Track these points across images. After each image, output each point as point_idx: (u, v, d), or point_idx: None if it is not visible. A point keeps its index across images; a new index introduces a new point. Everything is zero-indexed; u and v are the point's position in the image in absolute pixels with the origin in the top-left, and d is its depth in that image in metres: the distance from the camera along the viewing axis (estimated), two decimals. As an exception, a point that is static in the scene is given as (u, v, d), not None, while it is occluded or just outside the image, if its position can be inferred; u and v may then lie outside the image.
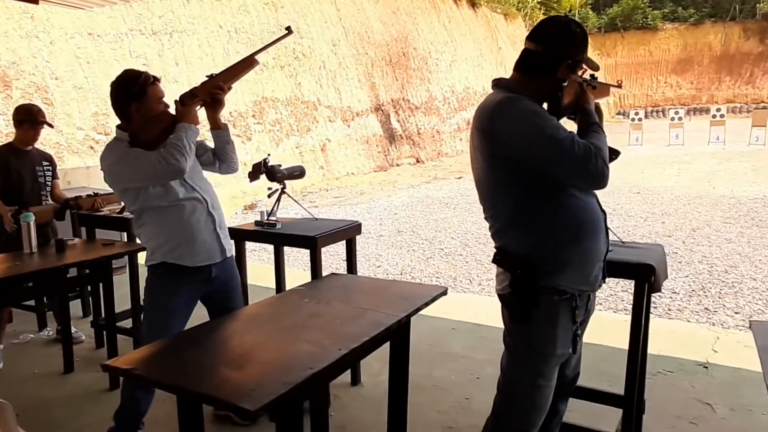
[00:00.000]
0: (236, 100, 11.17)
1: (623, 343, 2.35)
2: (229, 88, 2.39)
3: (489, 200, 1.76)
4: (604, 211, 1.79)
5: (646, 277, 2.19)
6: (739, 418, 2.66)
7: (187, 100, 2.28)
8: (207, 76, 2.37)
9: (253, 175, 3.08)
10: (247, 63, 2.40)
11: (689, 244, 6.50)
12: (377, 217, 9.06)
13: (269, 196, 3.17)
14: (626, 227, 7.56)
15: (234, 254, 2.57)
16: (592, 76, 1.95)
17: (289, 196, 3.24)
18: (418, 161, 16.67)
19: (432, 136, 17.98)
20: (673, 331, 3.81)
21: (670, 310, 4.48)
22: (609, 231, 1.82)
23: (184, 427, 1.78)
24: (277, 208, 3.25)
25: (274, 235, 3.02)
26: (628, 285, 5.05)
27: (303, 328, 1.98)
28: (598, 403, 2.58)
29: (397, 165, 15.64)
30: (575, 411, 2.74)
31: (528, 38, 1.75)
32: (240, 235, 3.16)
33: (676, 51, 42.42)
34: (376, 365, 3.33)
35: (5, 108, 7.84)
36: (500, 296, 1.79)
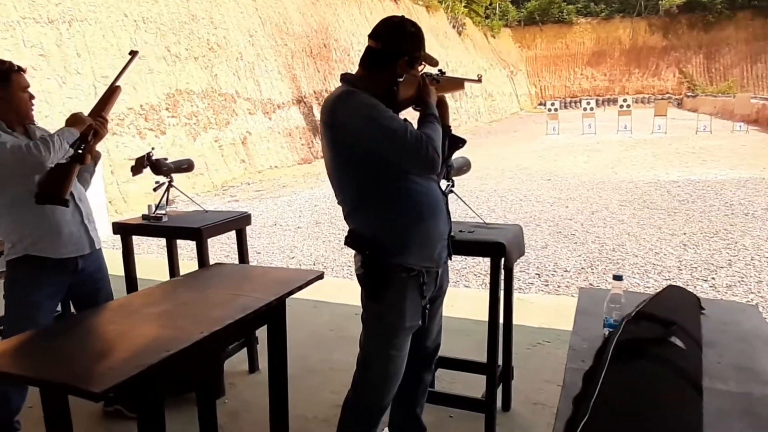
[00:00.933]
0: (147, 92, 10.78)
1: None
2: (106, 119, 2.40)
3: (337, 186, 1.86)
4: (445, 194, 1.97)
5: (497, 254, 2.36)
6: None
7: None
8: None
9: (136, 170, 3.04)
10: (113, 91, 2.44)
11: (586, 226, 6.91)
12: (297, 210, 9.04)
13: (155, 189, 3.14)
14: (534, 212, 7.94)
15: (101, 246, 2.53)
16: (440, 71, 2.09)
17: (177, 189, 3.22)
18: (342, 153, 16.71)
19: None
20: (558, 305, 4.08)
21: (559, 287, 4.78)
22: (450, 212, 1.96)
23: (48, 419, 1.77)
24: (167, 201, 3.21)
25: (160, 228, 2.99)
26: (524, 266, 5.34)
27: (170, 316, 2.00)
28: (468, 372, 2.77)
29: (321, 157, 15.60)
30: (457, 382, 2.92)
31: (369, 36, 1.87)
32: (126, 230, 3.10)
33: (590, 44, 44.62)
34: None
35: None
36: (357, 276, 1.89)
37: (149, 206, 3.13)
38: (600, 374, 1.32)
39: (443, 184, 2.76)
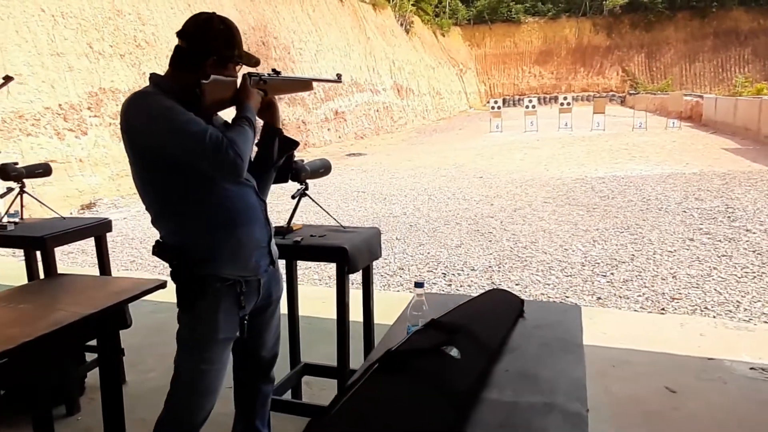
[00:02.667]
0: (66, 91, 10.32)
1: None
2: None
3: (141, 192, 1.76)
4: (263, 201, 1.85)
5: (341, 259, 2.30)
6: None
7: None
8: None
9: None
10: None
11: (505, 224, 6.97)
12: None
13: (2, 196, 2.94)
14: (458, 210, 7.97)
15: None
16: (274, 71, 2.00)
17: (29, 195, 3.02)
18: (283, 152, 16.47)
19: (297, 127, 17.81)
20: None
21: (461, 286, 4.77)
22: (268, 220, 1.87)
23: None
24: (21, 208, 3.01)
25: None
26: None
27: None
28: (322, 377, 2.71)
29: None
30: (327, 389, 2.85)
31: (177, 34, 1.75)
32: None
33: (538, 43, 45.51)
34: (150, 362, 3.23)
35: None
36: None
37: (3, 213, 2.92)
38: (354, 386, 1.26)
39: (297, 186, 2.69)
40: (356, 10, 25.25)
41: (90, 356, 2.88)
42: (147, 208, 1.77)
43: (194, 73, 1.70)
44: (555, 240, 6.07)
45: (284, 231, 2.59)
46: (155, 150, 1.64)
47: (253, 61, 1.87)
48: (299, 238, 2.49)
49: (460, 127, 25.37)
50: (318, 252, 2.42)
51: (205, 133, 1.59)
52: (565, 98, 22.16)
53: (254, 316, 1.88)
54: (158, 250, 1.75)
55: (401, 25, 31.72)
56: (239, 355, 1.95)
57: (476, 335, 1.51)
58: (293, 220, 2.72)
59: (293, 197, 2.63)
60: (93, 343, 2.18)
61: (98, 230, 2.95)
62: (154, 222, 1.77)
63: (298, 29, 19.60)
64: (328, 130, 19.82)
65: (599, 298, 4.37)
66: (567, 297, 4.38)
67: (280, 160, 2.01)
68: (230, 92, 1.79)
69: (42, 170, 3.05)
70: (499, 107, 22.22)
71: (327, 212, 2.93)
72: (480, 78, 44.73)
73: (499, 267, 5.23)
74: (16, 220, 2.88)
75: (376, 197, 9.37)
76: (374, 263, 5.26)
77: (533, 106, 21.58)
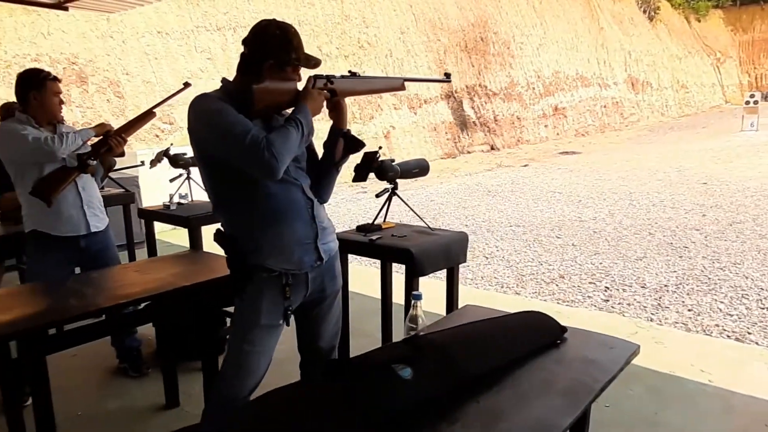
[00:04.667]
0: (297, 89, 11.77)
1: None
2: (125, 140, 2.76)
3: (204, 185, 1.95)
4: (311, 199, 1.90)
5: (406, 260, 2.27)
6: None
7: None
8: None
9: (153, 163, 3.48)
10: (146, 115, 2.79)
11: (711, 239, 5.95)
12: (404, 206, 9.18)
13: (171, 180, 3.55)
14: (658, 219, 7.05)
15: (106, 228, 2.93)
16: (351, 72, 2.05)
17: (194, 181, 3.57)
18: (492, 148, 16.37)
19: (511, 122, 17.50)
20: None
21: (619, 303, 4.24)
22: (317, 218, 1.91)
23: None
24: (190, 191, 3.62)
25: (162, 214, 3.40)
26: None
27: (98, 286, 2.31)
28: None
29: (468, 152, 15.49)
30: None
31: (242, 42, 1.91)
32: (146, 215, 3.59)
33: (829, 23, 37.00)
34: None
35: (82, 101, 9.04)
36: None
37: (170, 195, 3.55)
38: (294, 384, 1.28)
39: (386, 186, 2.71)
40: (592, -1, 23.66)
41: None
42: (210, 199, 1.98)
43: (254, 77, 1.80)
44: (767, 265, 5.00)
45: (367, 228, 2.65)
46: (205, 149, 1.80)
47: (312, 63, 1.92)
48: (378, 236, 2.53)
49: (704, 124, 22.10)
50: (387, 252, 2.43)
51: (246, 134, 1.68)
52: None
53: (309, 309, 1.98)
54: (216, 237, 1.93)
55: (644, 12, 28.72)
56: (302, 348, 2.08)
57: (453, 359, 1.37)
58: (387, 219, 2.77)
59: (377, 196, 2.68)
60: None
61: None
62: (213, 212, 1.96)
63: (521, 23, 19.16)
64: (545, 126, 19.04)
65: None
66: (748, 333, 3.60)
67: (343, 160, 2.06)
68: (287, 95, 1.85)
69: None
70: (756, 102, 18.72)
71: (415, 212, 2.91)
72: (743, 68, 38.15)
73: (677, 288, 4.51)
74: (184, 201, 3.48)
75: (571, 199, 8.78)
76: (534, 268, 5.03)
77: (806, 101, 17.69)
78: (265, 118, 1.82)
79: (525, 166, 13.29)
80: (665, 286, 4.58)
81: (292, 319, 1.92)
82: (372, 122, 13.22)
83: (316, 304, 1.99)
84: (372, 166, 2.39)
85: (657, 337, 3.49)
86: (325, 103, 1.92)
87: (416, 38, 14.87)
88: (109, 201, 4.24)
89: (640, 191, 9.12)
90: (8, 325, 1.81)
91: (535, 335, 1.59)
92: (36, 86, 2.71)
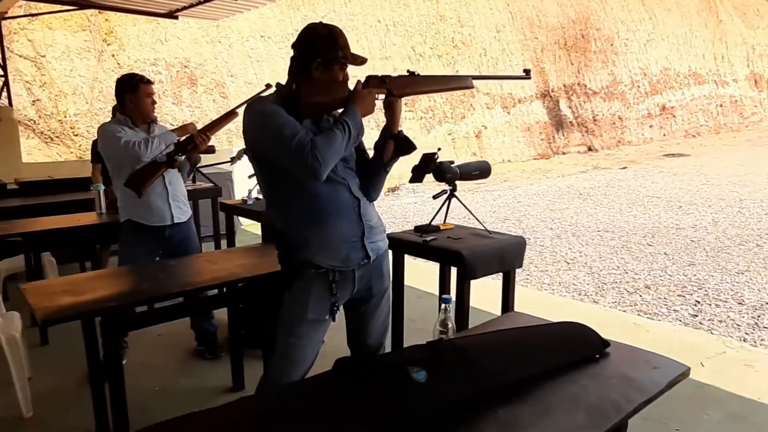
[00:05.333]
0: (389, 89, 11.98)
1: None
2: (208, 137, 2.98)
3: (258, 185, 2.08)
4: (357, 198, 1.93)
5: (456, 262, 2.28)
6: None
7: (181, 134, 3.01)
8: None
9: (234, 160, 3.75)
10: (229, 115, 3.00)
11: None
12: (492, 206, 9.07)
13: (250, 176, 3.78)
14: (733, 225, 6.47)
15: (188, 220, 3.18)
16: (410, 71, 2.10)
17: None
18: (590, 149, 15.69)
19: (612, 123, 16.66)
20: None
21: (709, 319, 3.97)
22: (363, 216, 1.94)
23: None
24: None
25: (237, 208, 3.66)
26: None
27: (175, 272, 2.55)
28: None
29: (563, 153, 14.96)
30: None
31: (291, 46, 2.01)
32: (226, 209, 3.91)
33: None
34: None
35: (191, 101, 9.78)
36: None
37: (248, 191, 3.79)
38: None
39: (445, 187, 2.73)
40: (708, -11, 21.90)
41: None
42: (263, 196, 2.09)
43: (303, 77, 1.86)
44: None
45: (424, 229, 2.68)
46: (257, 149, 1.89)
47: (359, 61, 1.93)
48: (433, 238, 2.56)
49: None
50: (439, 253, 2.44)
51: (293, 137, 1.74)
52: None
53: (357, 306, 2.04)
54: (271, 234, 2.06)
55: (773, 1, 26.11)
56: (351, 344, 2.13)
57: (475, 367, 1.37)
58: (446, 220, 2.79)
59: (435, 197, 2.69)
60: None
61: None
62: (266, 208, 2.04)
63: (627, 18, 18.16)
64: (650, 126, 17.94)
65: None
66: None
67: (392, 161, 2.08)
68: (337, 93, 1.86)
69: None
70: None
71: (473, 215, 2.89)
72: None
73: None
74: (261, 197, 3.69)
75: (670, 205, 8.26)
76: (617, 276, 4.83)
77: None
78: (315, 118, 1.88)
79: (624, 168, 12.64)
80: (765, 304, 4.22)
81: (339, 314, 1.98)
82: (463, 121, 13.15)
83: (363, 302, 2.04)
84: (429, 167, 2.42)
85: (748, 360, 3.23)
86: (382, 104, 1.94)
87: (512, 36, 14.58)
88: (199, 194, 4.63)
89: (753, 198, 8.39)
90: (92, 304, 2.03)
91: (571, 347, 1.54)
92: (130, 89, 2.97)
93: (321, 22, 1.96)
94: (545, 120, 14.84)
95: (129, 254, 3.04)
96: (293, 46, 1.90)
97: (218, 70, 10.10)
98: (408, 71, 2.01)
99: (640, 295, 4.58)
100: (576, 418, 1.29)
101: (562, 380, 1.45)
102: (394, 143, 1.97)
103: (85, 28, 10.44)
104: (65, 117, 10.60)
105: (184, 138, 2.98)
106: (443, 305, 1.55)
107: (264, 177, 1.94)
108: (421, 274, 3.89)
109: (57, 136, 10.58)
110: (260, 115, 1.83)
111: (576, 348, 1.55)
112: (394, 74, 1.96)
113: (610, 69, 17.08)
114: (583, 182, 10.92)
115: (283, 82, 1.93)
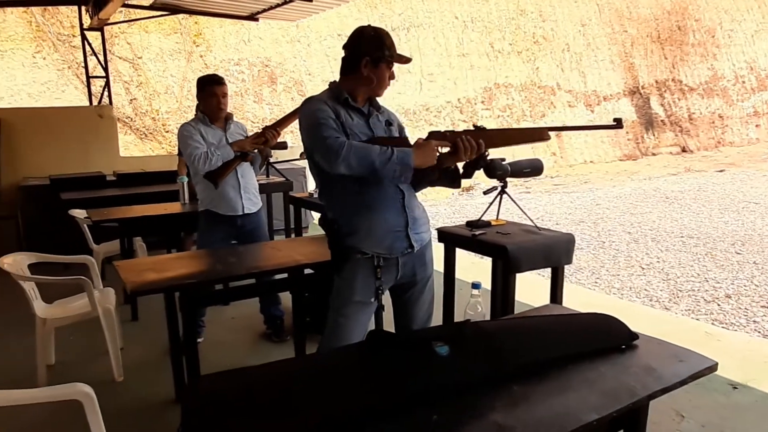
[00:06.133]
0: (465, 87, 11.84)
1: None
2: (278, 133, 3.11)
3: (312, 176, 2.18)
4: (402, 191, 2.01)
5: (501, 256, 2.26)
6: None
7: (247, 144, 3.11)
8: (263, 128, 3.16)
9: (302, 155, 3.83)
10: (297, 111, 3.06)
11: None
12: (569, 207, 8.71)
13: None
14: None
15: (258, 211, 3.32)
16: (476, 126, 2.01)
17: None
18: (684, 150, 14.67)
19: (711, 122, 15.49)
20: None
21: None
22: (407, 208, 2.01)
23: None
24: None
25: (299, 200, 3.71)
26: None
27: (239, 257, 2.67)
28: None
29: (652, 154, 14.11)
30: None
31: (342, 47, 2.09)
32: (293, 201, 3.96)
33: None
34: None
35: (271, 99, 10.16)
36: None
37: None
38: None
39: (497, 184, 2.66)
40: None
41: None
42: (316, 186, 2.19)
43: (353, 76, 1.99)
44: None
45: (475, 224, 2.66)
46: (306, 144, 2.00)
47: (404, 60, 2.04)
48: (482, 232, 2.55)
49: None
50: (486, 247, 2.44)
51: (328, 138, 1.86)
52: None
53: (402, 292, 2.14)
54: (320, 221, 2.17)
55: None
56: (398, 330, 2.20)
57: (497, 347, 1.40)
58: (499, 216, 2.74)
59: (485, 194, 2.66)
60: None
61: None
62: (319, 198, 2.18)
63: (732, 7, 16.81)
64: (756, 126, 16.51)
65: None
66: None
67: (436, 183, 2.09)
68: (382, 84, 2.00)
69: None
70: None
71: (523, 211, 2.81)
72: None
73: None
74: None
75: (768, 210, 7.58)
76: (696, 284, 4.52)
77: None
78: (366, 115, 2.01)
79: (720, 171, 11.73)
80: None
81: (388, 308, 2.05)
82: (543, 120, 12.74)
83: (408, 288, 2.12)
84: (480, 163, 2.37)
85: None
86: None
87: (599, 30, 13.93)
88: (271, 188, 4.82)
89: None
90: (172, 280, 2.28)
91: (596, 336, 1.51)
92: (200, 90, 3.16)
93: (369, 25, 2.08)
94: (633, 119, 14.05)
95: (206, 240, 3.24)
96: (344, 47, 2.04)
97: (297, 68, 10.41)
98: (474, 126, 2.01)
99: (719, 305, 4.23)
100: (588, 398, 1.30)
101: (583, 366, 1.48)
102: (444, 174, 2.03)
103: (177, 31, 11.12)
104: (158, 115, 11.35)
105: (255, 134, 3.13)
106: (473, 290, 1.58)
107: (317, 169, 2.03)
108: (473, 269, 3.84)
109: (150, 133, 11.36)
110: (308, 113, 1.95)
111: (601, 337, 1.54)
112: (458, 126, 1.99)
113: (710, 63, 15.89)
114: (671, 185, 10.25)
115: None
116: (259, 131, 3.11)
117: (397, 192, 2.00)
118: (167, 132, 11.23)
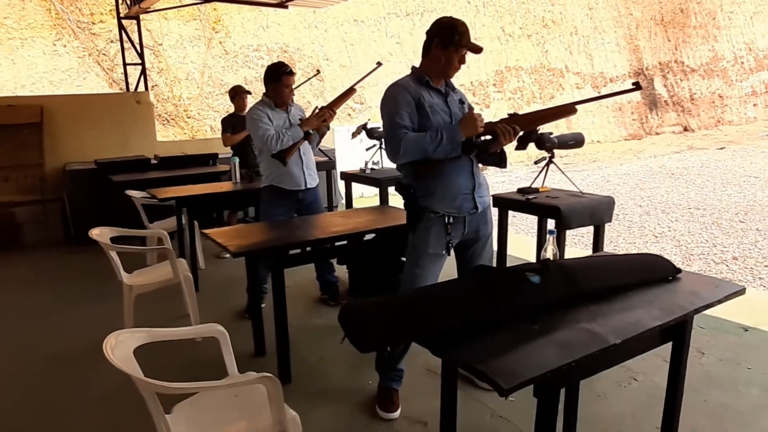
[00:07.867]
0: (478, 70, 12.20)
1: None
2: (334, 112, 3.45)
3: None
4: (471, 160, 2.38)
5: (555, 216, 2.69)
6: None
7: (313, 123, 3.47)
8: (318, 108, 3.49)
9: (354, 135, 4.26)
10: (349, 92, 3.43)
11: None
12: (580, 185, 9.08)
13: (368, 149, 4.30)
14: None
15: (316, 186, 3.73)
16: (512, 113, 2.44)
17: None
18: (686, 129, 15.11)
19: (711, 101, 15.90)
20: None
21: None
22: (475, 175, 2.39)
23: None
24: (381, 159, 4.36)
25: (354, 176, 4.17)
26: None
27: (308, 225, 3.11)
28: None
29: (656, 134, 14.54)
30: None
31: (426, 33, 2.46)
32: (346, 177, 4.41)
33: None
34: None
35: (292, 83, 10.56)
36: None
37: (365, 162, 4.32)
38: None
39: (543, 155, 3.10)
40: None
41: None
42: None
43: (430, 56, 2.31)
44: None
45: (526, 191, 3.10)
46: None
47: (476, 48, 2.31)
48: (533, 197, 2.98)
49: None
50: (539, 209, 2.85)
51: (392, 127, 2.23)
52: None
53: (467, 248, 2.49)
54: (397, 187, 2.53)
55: None
56: None
57: (573, 276, 1.80)
58: (544, 184, 3.18)
59: (536, 163, 3.09)
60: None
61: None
62: (397, 168, 2.53)
63: (733, -11, 17.14)
64: (754, 105, 16.93)
65: None
66: None
67: (486, 162, 2.45)
68: (450, 67, 2.32)
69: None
70: None
71: (568, 177, 3.24)
72: None
73: None
74: (376, 167, 4.22)
75: (769, 185, 8.05)
76: (705, 248, 4.99)
77: None
78: (444, 94, 2.34)
79: (721, 148, 12.18)
80: None
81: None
82: (552, 102, 13.13)
83: (471, 244, 2.48)
84: (532, 137, 2.80)
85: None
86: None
87: (605, 13, 14.27)
88: (318, 167, 5.21)
89: None
90: (258, 244, 2.66)
91: (649, 269, 1.94)
92: (275, 79, 3.45)
93: (450, 16, 2.39)
94: (638, 99, 14.46)
95: (270, 214, 3.59)
96: (426, 33, 2.35)
97: (315, 54, 10.77)
98: (508, 114, 2.33)
99: (727, 266, 4.72)
100: (651, 311, 1.71)
101: (640, 290, 1.86)
102: (491, 156, 2.36)
103: (196, 18, 11.43)
104: (179, 101, 11.71)
105: (315, 113, 3.50)
106: (549, 236, 1.98)
107: None
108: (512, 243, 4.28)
109: (173, 119, 11.72)
110: (387, 98, 2.32)
111: (653, 269, 1.95)
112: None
113: (711, 45, 16.26)
114: (676, 162, 10.71)
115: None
116: (317, 111, 3.40)
117: (468, 161, 2.33)
118: (189, 118, 11.58)
